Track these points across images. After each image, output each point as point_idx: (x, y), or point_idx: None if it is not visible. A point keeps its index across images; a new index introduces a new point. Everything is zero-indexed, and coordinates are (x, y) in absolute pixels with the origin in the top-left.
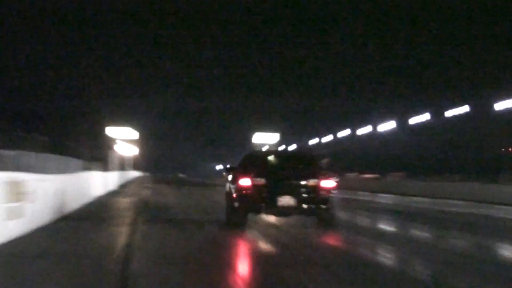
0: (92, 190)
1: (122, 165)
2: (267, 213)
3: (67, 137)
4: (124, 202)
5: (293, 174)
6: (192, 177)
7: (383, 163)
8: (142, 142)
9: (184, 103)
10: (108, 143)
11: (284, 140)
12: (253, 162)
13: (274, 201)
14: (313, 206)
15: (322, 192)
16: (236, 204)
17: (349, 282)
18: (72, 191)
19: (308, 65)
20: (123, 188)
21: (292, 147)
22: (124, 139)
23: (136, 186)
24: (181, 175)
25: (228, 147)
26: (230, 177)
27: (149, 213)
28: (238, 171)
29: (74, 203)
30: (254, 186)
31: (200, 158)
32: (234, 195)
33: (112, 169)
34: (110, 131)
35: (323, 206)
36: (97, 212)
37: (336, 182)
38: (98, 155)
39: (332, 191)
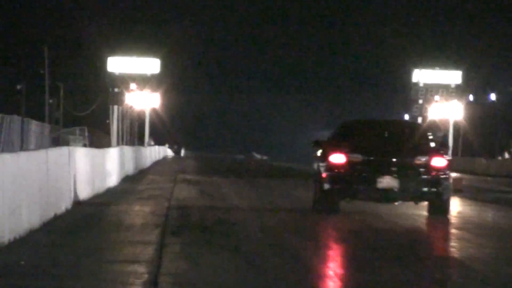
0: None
1: (136, 134)
2: (364, 198)
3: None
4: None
5: (398, 149)
6: (282, 161)
7: None
8: (172, 86)
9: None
10: (110, 88)
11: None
12: (349, 133)
13: (374, 183)
14: (422, 189)
15: (433, 173)
16: (326, 186)
17: None
18: None
19: None
20: (134, 182)
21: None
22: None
23: (160, 182)
24: (258, 156)
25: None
26: (319, 153)
27: None
28: (330, 145)
29: None
30: (348, 163)
31: (297, 124)
32: (324, 174)
33: (116, 143)
34: (114, 63)
35: (435, 190)
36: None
37: (448, 160)
38: (89, 115)
39: (446, 172)
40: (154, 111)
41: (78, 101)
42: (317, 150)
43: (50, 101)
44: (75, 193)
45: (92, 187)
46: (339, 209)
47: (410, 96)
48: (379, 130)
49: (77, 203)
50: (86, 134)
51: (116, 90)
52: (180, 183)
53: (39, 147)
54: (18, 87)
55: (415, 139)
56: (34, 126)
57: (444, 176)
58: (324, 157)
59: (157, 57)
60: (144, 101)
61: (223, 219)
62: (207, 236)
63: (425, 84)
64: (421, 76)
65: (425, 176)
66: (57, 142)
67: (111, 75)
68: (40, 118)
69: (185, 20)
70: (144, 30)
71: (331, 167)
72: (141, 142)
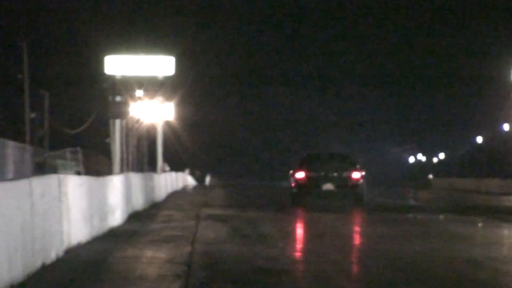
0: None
1: (146, 157)
2: (316, 197)
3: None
4: None
5: (334, 168)
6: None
7: None
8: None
9: None
10: (110, 96)
11: None
12: (308, 160)
13: (320, 187)
14: (347, 190)
15: (353, 181)
16: (294, 190)
17: None
18: None
19: None
20: (144, 220)
21: None
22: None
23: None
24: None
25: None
26: (291, 172)
27: None
28: (296, 167)
29: None
30: (306, 177)
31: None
32: (293, 184)
33: (119, 168)
34: (114, 64)
35: (354, 190)
36: None
37: (362, 174)
38: (83, 133)
39: (360, 180)
40: (168, 125)
41: (69, 114)
42: (290, 171)
43: (32, 115)
44: (68, 235)
45: (90, 227)
46: (304, 204)
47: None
48: (325, 158)
49: (71, 248)
50: (80, 158)
51: (117, 98)
52: (206, 220)
53: (19, 175)
54: None
55: (345, 163)
56: (11, 148)
57: (360, 182)
58: (293, 174)
59: (172, 55)
60: (155, 112)
61: (264, 268)
62: None
63: None
64: None
65: (349, 183)
66: (42, 168)
67: (110, 79)
68: (19, 137)
69: (206, 7)
70: (152, 22)
71: (296, 180)
72: (152, 167)
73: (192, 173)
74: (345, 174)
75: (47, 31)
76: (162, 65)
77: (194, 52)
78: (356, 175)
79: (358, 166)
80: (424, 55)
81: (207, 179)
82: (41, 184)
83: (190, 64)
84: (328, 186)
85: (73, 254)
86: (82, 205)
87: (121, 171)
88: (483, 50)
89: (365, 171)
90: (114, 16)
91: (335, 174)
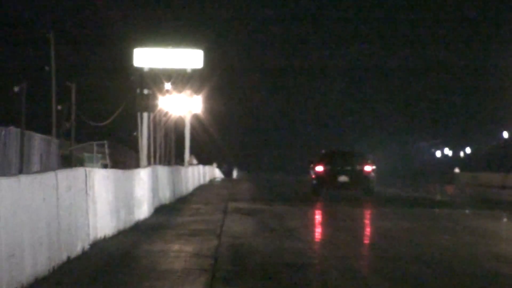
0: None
1: (173, 150)
2: (332, 188)
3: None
4: None
5: (348, 163)
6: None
7: None
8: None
9: None
10: (138, 88)
11: None
12: (325, 156)
13: (336, 179)
14: (360, 182)
15: (365, 173)
16: (314, 182)
17: None
18: None
19: None
20: (171, 214)
21: None
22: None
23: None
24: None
25: None
26: (311, 166)
27: None
28: (315, 162)
29: None
30: (324, 170)
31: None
32: (313, 176)
33: (147, 161)
34: (143, 57)
35: (366, 182)
36: None
37: (372, 168)
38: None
39: (371, 173)
40: (195, 118)
41: (95, 107)
42: (310, 165)
43: (59, 107)
44: (94, 229)
45: (117, 220)
46: (322, 194)
47: None
48: (340, 154)
49: (97, 242)
50: (107, 150)
51: (145, 91)
52: (233, 213)
53: (45, 168)
54: (16, 89)
55: (357, 158)
56: (37, 141)
57: (370, 175)
58: (313, 168)
59: (200, 48)
60: (183, 105)
61: (291, 262)
62: (270, 285)
63: None
64: None
65: (361, 175)
66: (68, 161)
67: (138, 72)
68: (45, 130)
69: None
70: (181, 15)
71: (316, 173)
72: (179, 160)
73: (219, 167)
74: (357, 168)
75: (75, 23)
76: (191, 58)
77: (222, 44)
78: (367, 168)
79: (369, 161)
80: (451, 48)
81: (235, 173)
82: (67, 177)
83: (218, 57)
84: (343, 178)
85: (99, 247)
86: (109, 198)
87: (148, 164)
88: None
89: (375, 165)
90: (143, 9)
91: (349, 167)
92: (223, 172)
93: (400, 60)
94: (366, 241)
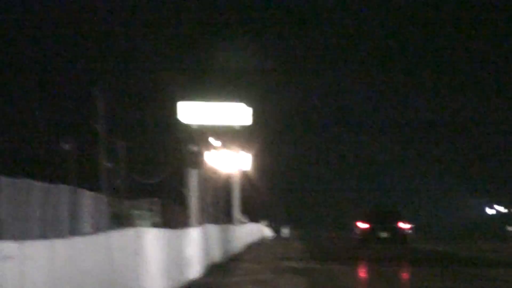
0: None
1: (222, 208)
2: (374, 243)
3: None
4: None
5: (387, 220)
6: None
7: None
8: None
9: None
10: (188, 145)
11: None
12: (368, 214)
13: (377, 235)
14: (397, 237)
15: (402, 230)
16: (359, 237)
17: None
18: None
19: None
20: (223, 273)
21: None
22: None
23: None
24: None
25: None
26: (354, 223)
27: None
28: (359, 219)
29: None
30: (367, 227)
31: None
32: (358, 231)
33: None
34: (187, 111)
35: (402, 237)
36: None
37: (409, 224)
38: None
39: (407, 229)
40: (244, 175)
41: (143, 163)
42: (354, 222)
43: (108, 164)
44: None
45: (167, 280)
46: (366, 247)
47: None
48: (381, 212)
49: None
50: (157, 208)
51: (194, 148)
52: (284, 273)
53: (95, 226)
54: (66, 146)
55: (394, 216)
56: (88, 198)
57: (407, 231)
58: (357, 225)
59: (248, 105)
60: (232, 162)
61: None
62: None
63: None
64: None
65: (399, 231)
66: (118, 219)
67: (186, 128)
68: (93, 187)
69: (283, 56)
70: (227, 69)
71: (360, 229)
72: (228, 218)
73: (269, 224)
74: (395, 225)
75: (121, 79)
76: (239, 114)
77: (271, 100)
78: (403, 225)
79: (405, 219)
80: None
81: (285, 231)
82: (119, 237)
83: (267, 114)
84: (383, 234)
85: None
86: (160, 258)
87: (198, 222)
88: None
89: (411, 223)
90: (189, 64)
91: (388, 225)
92: (272, 230)
93: (454, 115)
94: None
